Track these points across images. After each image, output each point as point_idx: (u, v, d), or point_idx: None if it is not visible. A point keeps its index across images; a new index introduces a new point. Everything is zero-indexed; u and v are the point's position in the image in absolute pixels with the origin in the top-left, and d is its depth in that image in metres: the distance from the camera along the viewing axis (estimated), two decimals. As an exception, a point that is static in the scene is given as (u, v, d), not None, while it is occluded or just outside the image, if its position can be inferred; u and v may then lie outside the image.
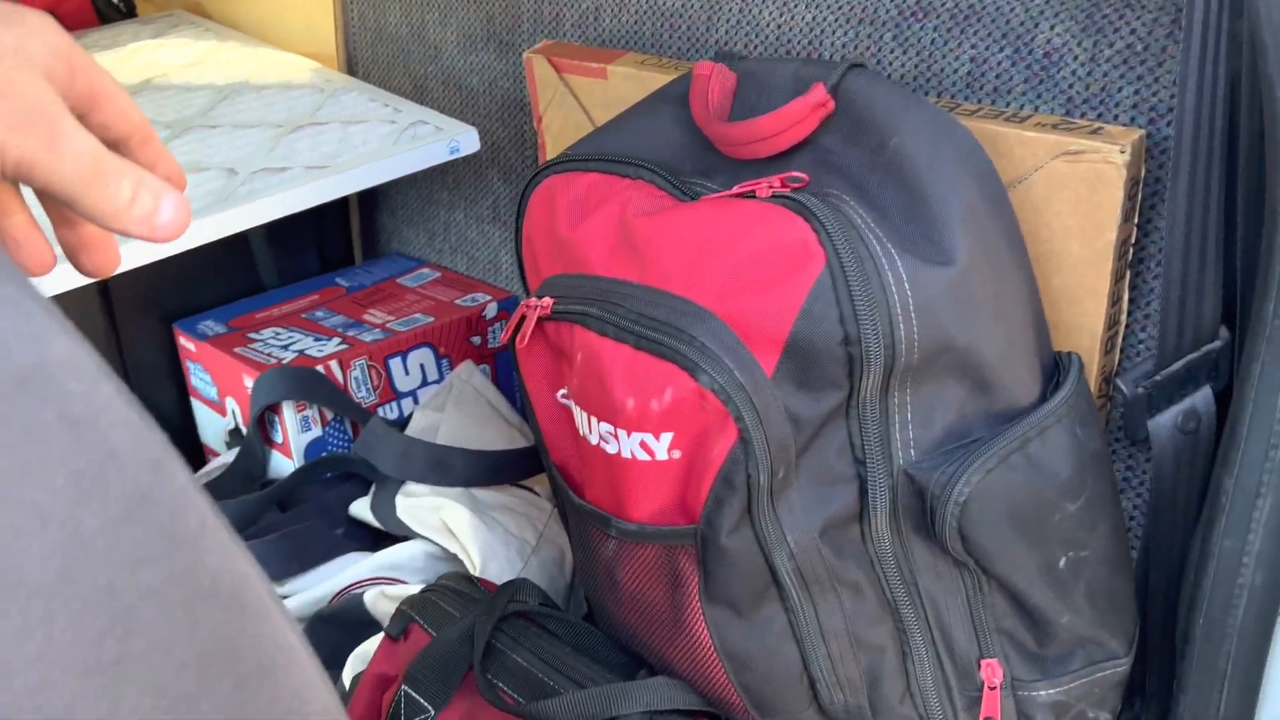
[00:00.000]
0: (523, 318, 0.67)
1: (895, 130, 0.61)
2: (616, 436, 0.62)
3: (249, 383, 1.06)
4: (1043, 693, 0.63)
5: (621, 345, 0.61)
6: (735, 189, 0.62)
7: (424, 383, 1.13)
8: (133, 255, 0.85)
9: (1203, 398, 0.67)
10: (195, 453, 1.21)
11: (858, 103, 0.63)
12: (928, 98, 0.77)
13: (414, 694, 0.72)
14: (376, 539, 0.99)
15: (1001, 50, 0.73)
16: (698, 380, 0.58)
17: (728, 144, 0.66)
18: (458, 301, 1.17)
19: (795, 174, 0.61)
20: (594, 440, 0.64)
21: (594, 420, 0.64)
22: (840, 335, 0.56)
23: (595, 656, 0.71)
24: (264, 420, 1.07)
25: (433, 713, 0.70)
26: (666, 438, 0.61)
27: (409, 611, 0.76)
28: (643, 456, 0.62)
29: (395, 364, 1.10)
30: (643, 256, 0.63)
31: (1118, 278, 0.66)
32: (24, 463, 0.26)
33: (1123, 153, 0.61)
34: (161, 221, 0.43)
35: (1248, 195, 0.60)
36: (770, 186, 0.61)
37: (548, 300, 0.66)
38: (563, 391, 0.70)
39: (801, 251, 0.57)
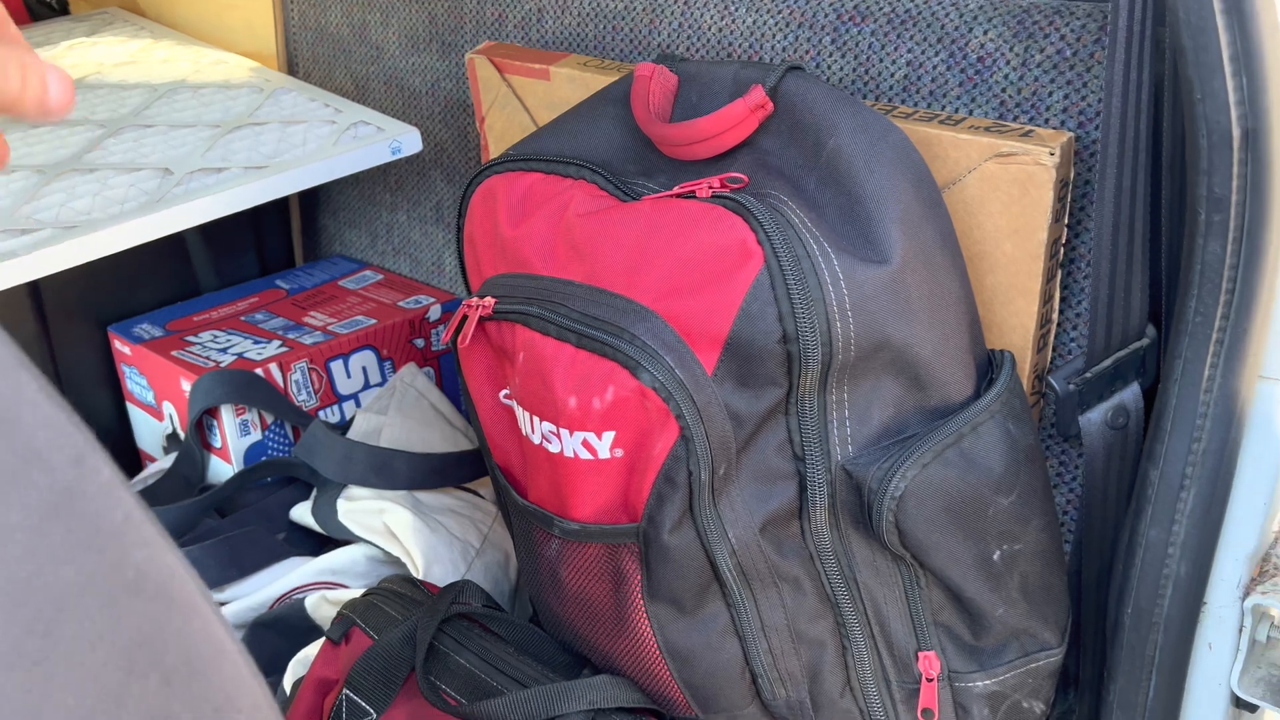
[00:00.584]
0: (464, 318, 0.67)
1: (833, 132, 0.62)
2: (559, 436, 0.62)
3: (186, 386, 1.04)
4: (979, 684, 0.65)
5: (563, 344, 0.61)
6: (676, 189, 0.63)
7: (366, 386, 1.12)
8: (64, 256, 0.84)
9: (1131, 394, 0.69)
10: (132, 458, 1.19)
11: (796, 105, 0.64)
12: (865, 100, 0.78)
13: (355, 698, 0.71)
14: (318, 544, 0.98)
15: (937, 55, 0.75)
16: (639, 378, 0.58)
17: (668, 144, 0.67)
18: (400, 304, 1.16)
19: (735, 175, 0.62)
20: (536, 440, 0.64)
21: (536, 420, 0.64)
22: (779, 333, 0.57)
23: (539, 657, 0.71)
24: (202, 424, 1.05)
25: (375, 716, 0.70)
26: (609, 436, 0.61)
27: (350, 615, 0.76)
28: (585, 455, 0.62)
29: (337, 366, 1.09)
30: (584, 256, 0.63)
31: (1049, 277, 0.68)
32: None
33: (1052, 155, 0.63)
34: (53, 100, 0.43)
35: (1172, 197, 0.62)
36: (710, 187, 0.61)
37: (489, 300, 0.66)
38: (505, 392, 0.69)
39: (740, 251, 0.57)
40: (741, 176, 0.62)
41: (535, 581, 0.71)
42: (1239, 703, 0.68)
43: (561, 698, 0.64)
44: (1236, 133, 0.49)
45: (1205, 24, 0.47)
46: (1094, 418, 0.69)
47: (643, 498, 0.61)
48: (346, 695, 0.71)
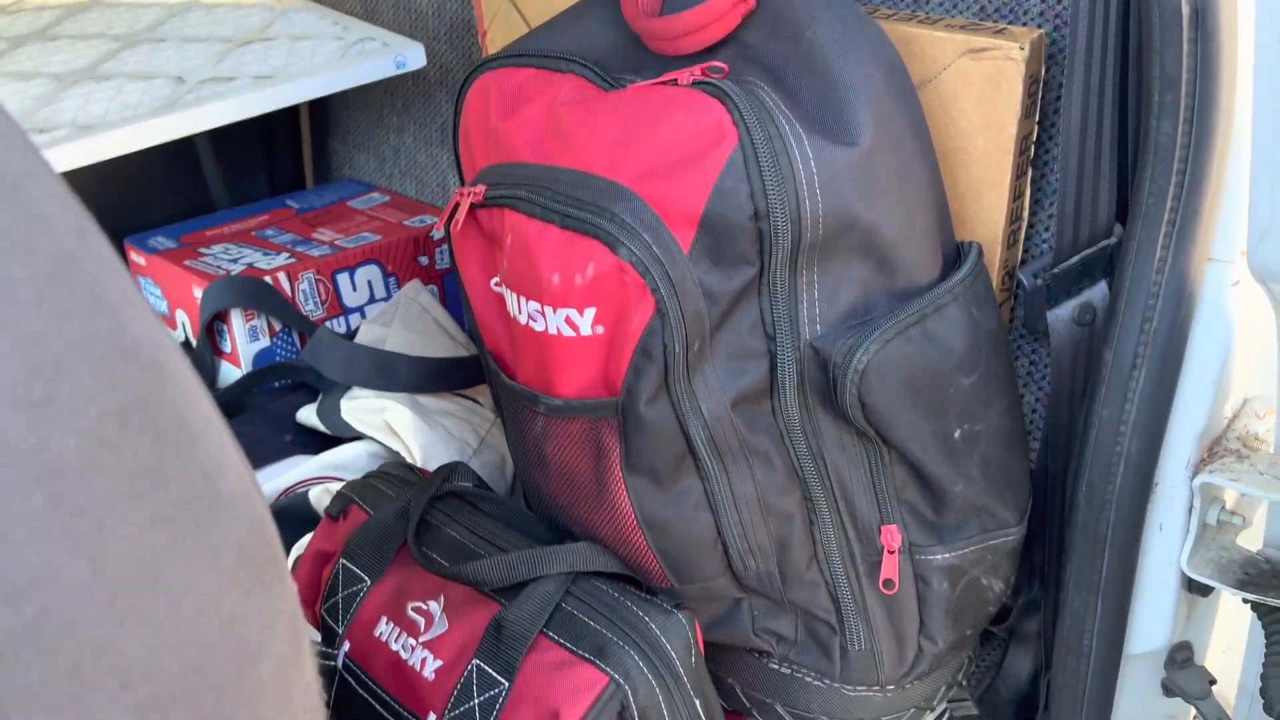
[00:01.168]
0: (457, 205, 0.70)
1: (811, 24, 0.64)
2: (543, 314, 0.66)
3: (198, 294, 1.08)
4: (938, 557, 0.68)
5: (548, 225, 0.64)
6: (659, 78, 0.65)
7: (371, 299, 1.16)
8: (80, 153, 0.87)
9: (1099, 292, 0.71)
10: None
11: (778, 1, 0.66)
12: (876, 7, 0.80)
13: (351, 566, 0.75)
14: (323, 445, 1.02)
15: (920, -38, 0.77)
16: (617, 254, 0.61)
17: (655, 39, 0.69)
18: (406, 223, 1.19)
19: (716, 64, 0.65)
20: (523, 320, 0.68)
21: (523, 300, 0.67)
22: (750, 210, 0.60)
23: (525, 531, 0.74)
24: (213, 331, 1.09)
25: (369, 582, 0.74)
26: (590, 313, 0.64)
27: (348, 493, 0.80)
28: (568, 332, 0.65)
29: (343, 279, 1.13)
30: (570, 142, 0.66)
31: (1019, 172, 0.70)
32: None
33: (1022, 49, 0.65)
34: None
35: (1137, 88, 0.64)
36: (691, 75, 0.64)
37: (480, 187, 0.69)
38: (496, 279, 0.73)
39: (716, 132, 0.60)
40: (722, 65, 0.65)
41: (523, 461, 0.75)
42: (1192, 586, 0.72)
43: (541, 561, 0.68)
44: (1186, 10, 0.51)
45: (1156, -98, 0.50)
46: (1062, 314, 0.72)
47: (621, 372, 0.64)
48: (343, 564, 0.75)
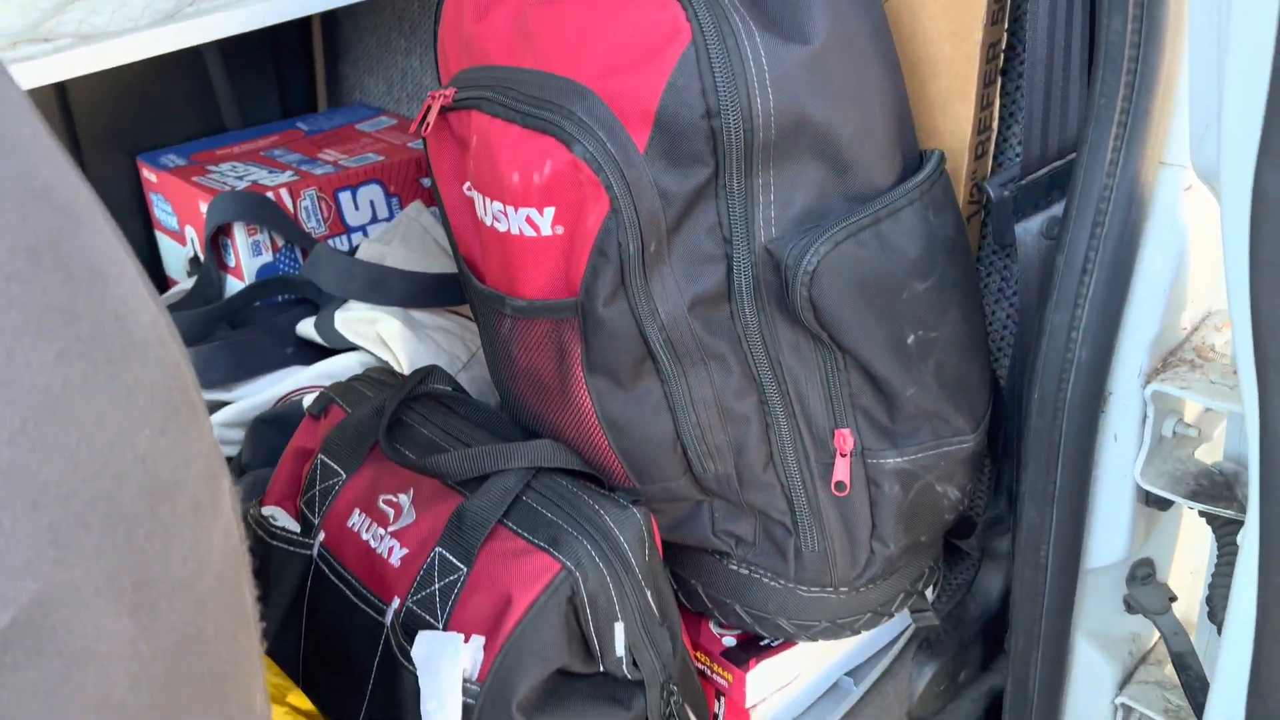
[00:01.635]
0: (429, 108, 0.72)
1: (774, -74, 0.64)
2: (506, 214, 0.67)
3: (204, 208, 1.11)
4: (890, 461, 0.69)
5: (510, 125, 0.65)
6: (622, -20, 0.66)
7: (373, 219, 1.18)
8: (81, 62, 0.90)
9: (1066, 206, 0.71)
10: (160, 285, 1.27)
11: (745, -97, 0.66)
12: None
13: (329, 461, 0.78)
14: (321, 357, 1.05)
15: None
16: (573, 151, 0.62)
17: (625, -56, 0.70)
18: (410, 145, 1.21)
19: (678, -34, 0.65)
20: (489, 222, 0.69)
21: (488, 201, 0.68)
22: (702, 108, 0.61)
23: (495, 432, 0.76)
24: (219, 246, 1.12)
25: (344, 476, 0.77)
26: (549, 212, 0.65)
27: (329, 394, 0.82)
28: (529, 232, 0.67)
29: (345, 198, 1.15)
30: (535, 43, 0.66)
31: (986, 81, 0.70)
32: None
33: (987, -47, 0.65)
34: None
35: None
36: (653, -25, 0.64)
37: (450, 90, 0.70)
38: (467, 184, 0.74)
39: (671, 28, 0.61)
40: (685, -33, 0.65)
41: (494, 364, 0.77)
42: (1149, 499, 0.72)
43: (502, 456, 0.70)
44: (1131, -98, 0.51)
45: None
46: (1030, 228, 0.72)
47: (580, 272, 0.66)
48: (321, 460, 0.78)
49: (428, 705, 0.64)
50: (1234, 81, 0.43)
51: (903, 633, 0.87)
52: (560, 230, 0.66)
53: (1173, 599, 0.78)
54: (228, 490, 0.42)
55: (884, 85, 0.64)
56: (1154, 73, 0.56)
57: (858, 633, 0.77)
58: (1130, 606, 0.79)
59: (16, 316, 0.34)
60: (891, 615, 0.78)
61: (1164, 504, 0.73)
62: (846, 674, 0.84)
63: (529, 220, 0.66)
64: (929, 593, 0.82)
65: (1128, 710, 0.82)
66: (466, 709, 0.64)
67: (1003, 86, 0.72)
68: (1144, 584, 0.78)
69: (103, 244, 0.37)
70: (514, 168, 0.65)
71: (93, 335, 0.36)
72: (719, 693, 0.78)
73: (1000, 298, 0.80)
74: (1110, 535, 0.73)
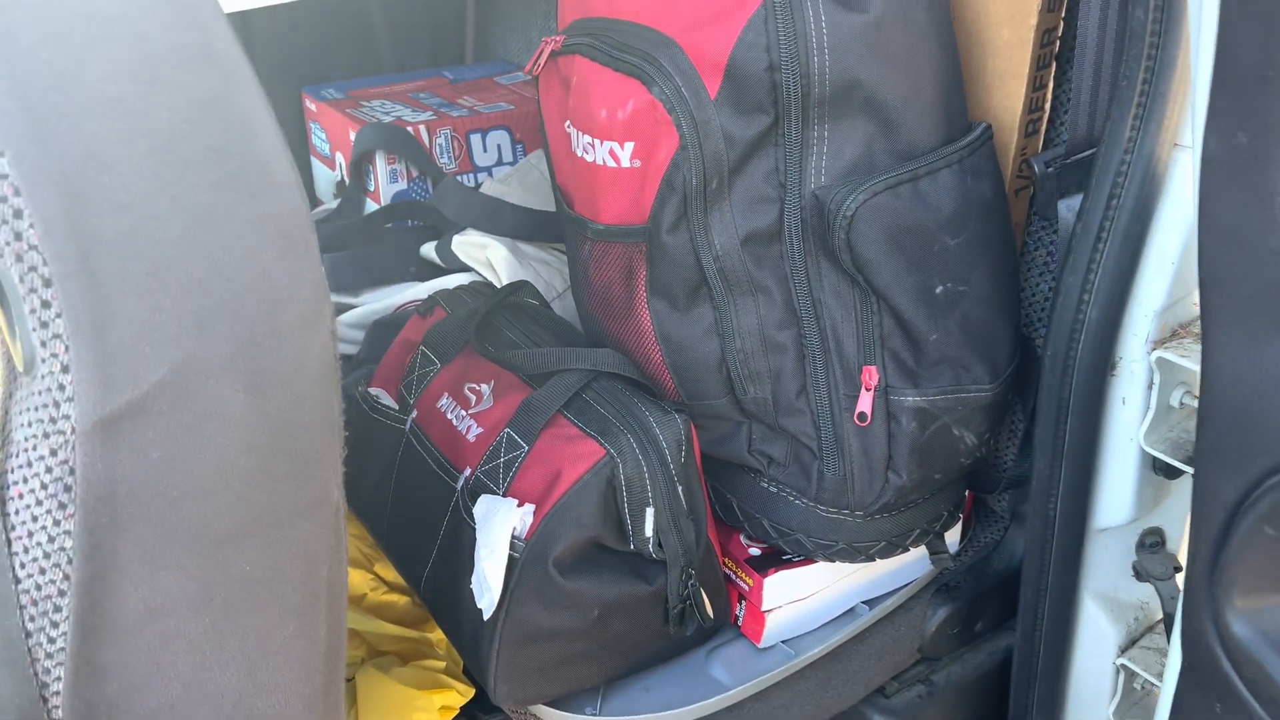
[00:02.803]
0: (541, 52, 0.83)
1: (854, -92, 0.72)
2: (594, 147, 0.77)
3: (353, 136, 1.25)
4: (909, 398, 0.76)
5: (604, 68, 0.75)
6: (716, -50, 0.75)
7: (499, 162, 1.30)
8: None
9: (1111, 187, 0.77)
10: (312, 203, 1.43)
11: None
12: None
13: (428, 352, 0.90)
14: (438, 276, 1.18)
15: None
16: (651, 92, 0.72)
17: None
18: (540, 98, 1.32)
19: (765, -62, 0.73)
20: (579, 153, 0.79)
21: (581, 134, 0.79)
22: (765, 62, 0.69)
23: (567, 340, 0.87)
24: (362, 172, 1.27)
25: (439, 365, 0.89)
26: (629, 146, 0.75)
27: (437, 298, 0.95)
28: (611, 164, 0.77)
29: (475, 139, 1.28)
30: (634, -1, 0.76)
31: (1040, 64, 0.76)
32: None
33: (1047, -55, 0.71)
34: None
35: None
36: (740, -53, 0.73)
37: (560, 37, 0.81)
38: (568, 121, 0.85)
39: (746, -7, 0.70)
40: (771, -60, 0.73)
41: (575, 283, 0.88)
42: (1157, 466, 0.77)
43: (570, 358, 0.80)
44: (1156, -99, 0.57)
45: None
46: (1073, 205, 0.78)
47: (650, 201, 0.76)
48: (422, 350, 0.91)
49: (480, 553, 0.75)
50: (1198, 58, 0.49)
51: (924, 577, 0.94)
52: (637, 164, 0.76)
53: (1178, 568, 0.82)
54: (328, 314, 0.54)
55: (935, 56, 0.72)
56: (1171, 61, 0.61)
57: (872, 559, 0.84)
58: (1139, 574, 0.84)
59: (189, 149, 0.46)
60: (906, 548, 0.85)
61: (1172, 472, 0.78)
62: (864, 602, 0.91)
63: (612, 153, 0.76)
64: (951, 540, 0.88)
65: (1130, 673, 0.87)
66: (512, 561, 0.75)
67: (1060, 71, 0.78)
68: (1152, 551, 0.83)
69: (255, 104, 0.49)
70: (603, 104, 0.75)
71: (240, 172, 0.48)
72: (741, 596, 0.87)
73: (1045, 270, 0.86)
74: (1117, 496, 0.78)
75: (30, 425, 0.47)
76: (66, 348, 0.45)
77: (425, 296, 1.14)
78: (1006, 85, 0.77)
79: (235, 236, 0.48)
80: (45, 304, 0.45)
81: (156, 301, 0.46)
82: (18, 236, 0.44)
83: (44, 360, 0.46)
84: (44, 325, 0.45)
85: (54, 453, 0.47)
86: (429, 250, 1.18)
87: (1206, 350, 0.52)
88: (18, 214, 0.44)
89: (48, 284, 0.44)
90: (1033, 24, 0.74)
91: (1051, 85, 0.78)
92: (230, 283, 0.48)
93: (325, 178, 1.37)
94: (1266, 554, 0.50)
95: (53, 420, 0.47)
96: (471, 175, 1.29)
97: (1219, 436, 0.51)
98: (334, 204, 1.31)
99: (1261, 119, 0.45)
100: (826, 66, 0.69)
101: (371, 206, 1.28)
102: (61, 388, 0.46)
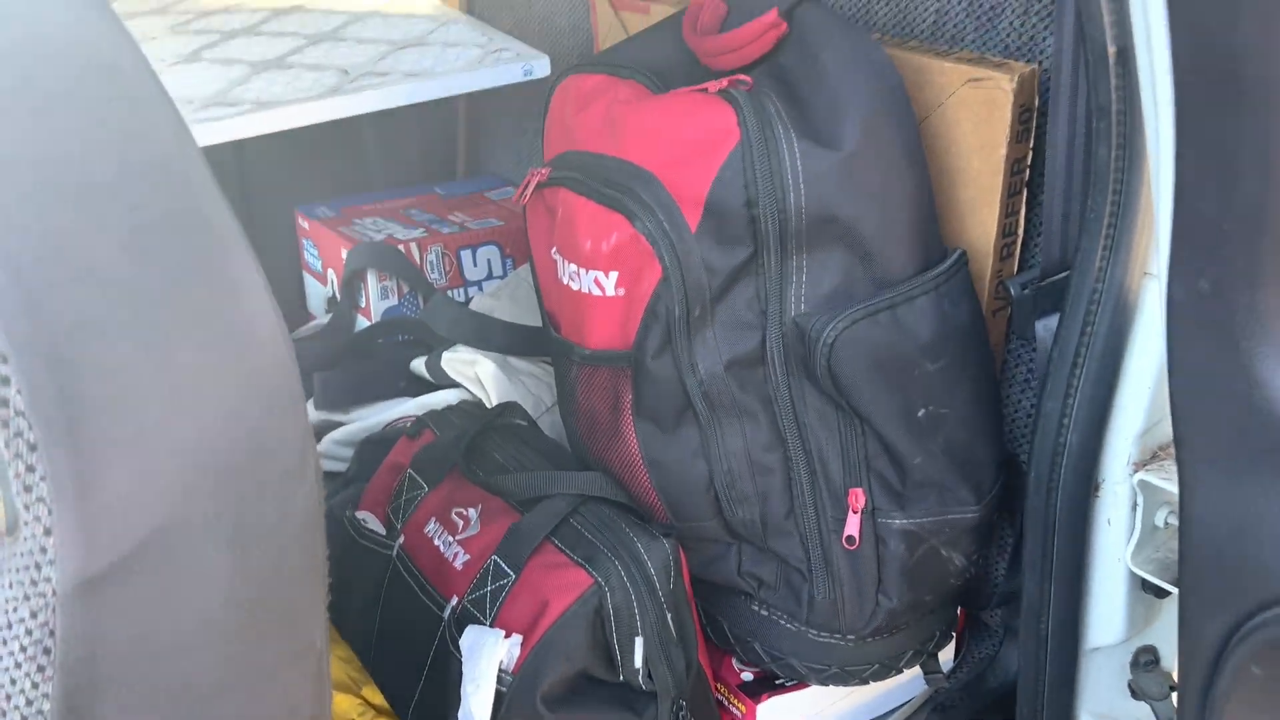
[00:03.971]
0: (528, 183, 0.85)
1: (826, 47, 0.75)
2: (579, 275, 0.79)
3: (345, 255, 1.27)
4: (896, 521, 0.76)
5: (589, 201, 0.77)
6: (695, 86, 0.78)
7: (489, 276, 1.32)
8: (256, 125, 1.07)
9: (1087, 308, 0.78)
10: (302, 318, 1.44)
11: (805, 26, 0.77)
12: (908, 40, 0.90)
13: (416, 476, 0.90)
14: (428, 391, 1.18)
15: (959, 3, 0.86)
16: (634, 226, 0.74)
17: (704, 55, 0.82)
18: (529, 212, 1.35)
19: (741, 77, 0.76)
20: (565, 280, 0.81)
21: (567, 263, 0.80)
22: (744, 198, 0.71)
23: (556, 462, 0.87)
24: (353, 288, 1.28)
25: (426, 489, 0.89)
26: (614, 276, 0.77)
27: (425, 420, 0.95)
28: (596, 292, 0.78)
29: (466, 255, 1.30)
30: (617, 134, 0.79)
31: (1011, 192, 0.78)
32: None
33: (1012, 81, 0.74)
34: None
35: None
36: (719, 85, 0.76)
37: (546, 169, 0.83)
38: (554, 248, 0.86)
39: (724, 131, 0.72)
40: (746, 79, 0.76)
41: (563, 405, 0.88)
42: (1146, 585, 0.77)
43: (556, 482, 0.81)
44: (1112, 49, 0.59)
45: (1082, -45, 0.58)
46: (1050, 325, 0.79)
47: (635, 328, 0.77)
48: (409, 474, 0.91)
49: (466, 688, 0.74)
50: (1159, 201, 0.50)
51: (920, 697, 0.93)
52: (621, 292, 0.77)
53: (1173, 687, 0.81)
54: (313, 463, 0.54)
55: (908, 188, 0.74)
56: (1135, 196, 0.63)
57: (866, 682, 0.83)
58: (1135, 693, 0.83)
59: (175, 314, 0.47)
60: (899, 670, 0.84)
61: (1162, 592, 0.77)
62: (859, 725, 0.90)
63: (597, 281, 0.78)
64: (945, 658, 0.88)
65: (1130, 795, 0.85)
66: (499, 695, 0.74)
67: (1030, 196, 0.80)
68: (1146, 670, 0.82)
69: (243, 263, 0.50)
70: (588, 236, 0.77)
71: (227, 332, 0.49)
72: (733, 722, 0.86)
73: (1026, 387, 0.87)
74: (1108, 616, 0.78)
75: (11, 587, 0.47)
76: (50, 511, 0.45)
77: (415, 413, 1.15)
78: (979, 212, 0.79)
79: (221, 396, 0.49)
80: (30, 468, 0.45)
81: (141, 464, 0.46)
82: (4, 403, 0.45)
83: (26, 523, 0.46)
84: (28, 489, 0.45)
85: (34, 615, 0.47)
86: (419, 366, 1.19)
87: (1183, 487, 0.53)
88: (4, 380, 0.44)
89: (33, 449, 0.45)
90: (1002, 154, 0.76)
91: (1024, 210, 0.80)
92: (216, 441, 0.49)
93: (317, 293, 1.39)
94: (1255, 694, 0.49)
95: (33, 582, 0.46)
96: (462, 290, 1.31)
97: (1201, 575, 0.51)
98: (325, 318, 1.33)
99: (1221, 269, 0.46)
100: (803, 201, 0.71)
101: (363, 323, 1.29)
102: (43, 550, 0.46)
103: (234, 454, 0.49)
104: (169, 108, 0.48)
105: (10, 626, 0.47)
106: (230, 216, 0.50)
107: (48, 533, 0.46)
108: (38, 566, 0.46)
